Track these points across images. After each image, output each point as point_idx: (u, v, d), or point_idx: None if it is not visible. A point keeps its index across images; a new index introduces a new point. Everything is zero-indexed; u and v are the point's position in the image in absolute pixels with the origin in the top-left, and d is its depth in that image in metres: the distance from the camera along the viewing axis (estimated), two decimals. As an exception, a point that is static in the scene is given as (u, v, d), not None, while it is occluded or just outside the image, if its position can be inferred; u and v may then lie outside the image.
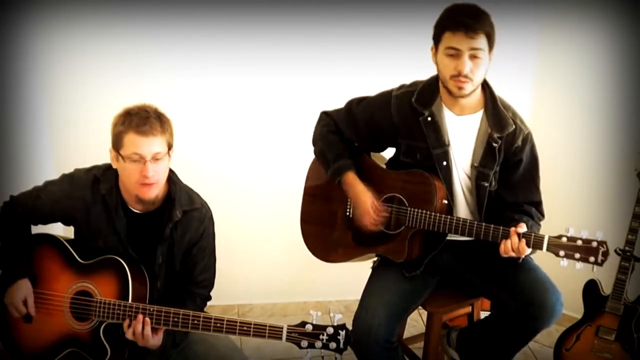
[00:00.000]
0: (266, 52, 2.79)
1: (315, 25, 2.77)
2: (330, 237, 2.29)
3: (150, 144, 1.77)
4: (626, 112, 2.77)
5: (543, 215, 2.12)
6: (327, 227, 2.30)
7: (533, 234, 1.90)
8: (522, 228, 1.91)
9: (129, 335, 1.80)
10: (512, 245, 1.90)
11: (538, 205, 2.12)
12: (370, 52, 2.84)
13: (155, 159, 1.79)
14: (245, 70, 2.79)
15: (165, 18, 2.67)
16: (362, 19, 2.81)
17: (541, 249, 1.89)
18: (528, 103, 3.01)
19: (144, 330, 1.79)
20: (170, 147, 1.85)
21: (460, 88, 1.93)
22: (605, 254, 1.83)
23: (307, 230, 2.37)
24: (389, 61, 2.83)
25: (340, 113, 2.24)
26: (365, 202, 2.12)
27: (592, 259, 1.84)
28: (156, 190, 1.83)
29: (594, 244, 1.84)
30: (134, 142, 1.77)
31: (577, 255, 1.85)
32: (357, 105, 2.20)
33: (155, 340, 1.81)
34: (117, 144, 1.81)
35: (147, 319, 1.79)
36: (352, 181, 2.17)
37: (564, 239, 1.86)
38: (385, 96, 2.14)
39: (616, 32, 2.75)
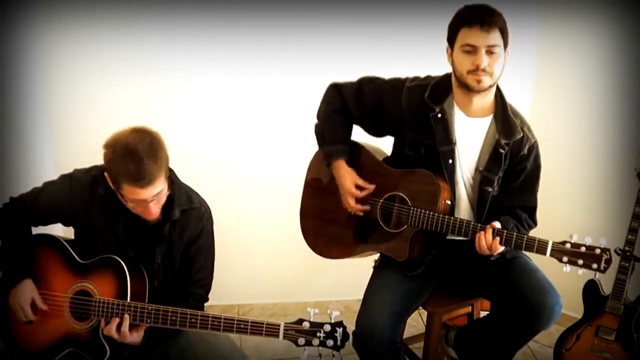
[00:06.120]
0: (266, 50, 2.78)
1: (316, 23, 2.77)
2: (331, 233, 2.28)
3: (151, 191, 1.72)
4: (626, 113, 2.76)
5: (535, 223, 2.13)
6: (327, 223, 2.29)
7: (526, 237, 1.92)
8: (497, 224, 1.94)
9: (105, 332, 1.81)
10: (485, 241, 1.93)
11: (532, 211, 2.13)
12: (370, 51, 2.83)
13: (156, 196, 1.76)
14: (245, 70, 2.79)
15: (165, 18, 2.67)
16: (363, 18, 2.80)
17: (545, 254, 1.89)
18: (528, 104, 3.00)
19: (121, 327, 1.79)
20: (167, 172, 1.78)
21: (479, 81, 1.92)
22: (608, 262, 1.84)
23: (306, 225, 2.35)
24: (390, 60, 2.82)
25: (350, 87, 2.21)
26: (347, 181, 2.15)
27: (594, 265, 1.84)
28: (159, 209, 1.82)
29: (597, 251, 1.84)
30: (134, 192, 1.71)
31: (580, 262, 1.85)
32: (368, 84, 2.18)
33: (134, 337, 1.82)
34: (114, 182, 1.74)
35: (126, 315, 1.79)
36: (339, 165, 2.19)
37: (568, 245, 1.86)
38: (397, 84, 2.13)
39: (616, 33, 2.75)
